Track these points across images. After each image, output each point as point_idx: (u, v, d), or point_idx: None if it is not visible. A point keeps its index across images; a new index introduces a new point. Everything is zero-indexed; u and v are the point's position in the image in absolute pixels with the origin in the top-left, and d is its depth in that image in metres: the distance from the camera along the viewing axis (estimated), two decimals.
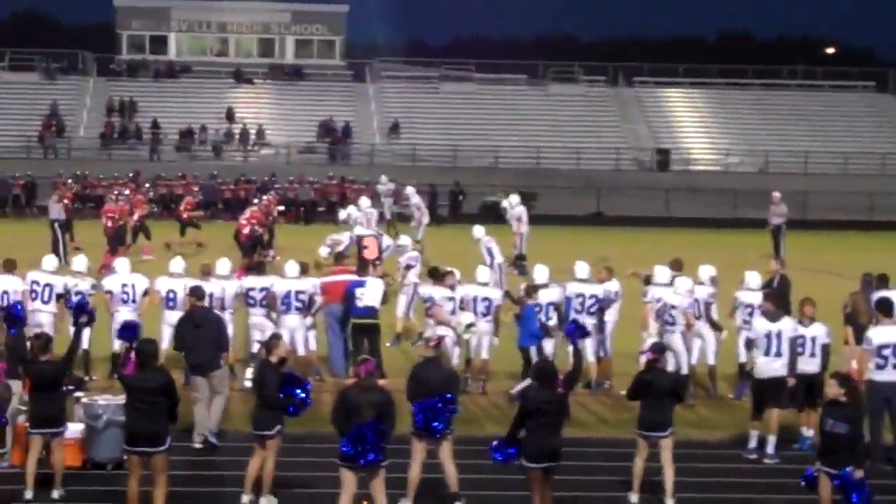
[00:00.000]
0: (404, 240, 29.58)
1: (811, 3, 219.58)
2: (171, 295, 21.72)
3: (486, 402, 21.36)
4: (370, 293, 21.93)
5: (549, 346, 20.99)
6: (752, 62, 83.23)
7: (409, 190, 46.12)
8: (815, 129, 74.38)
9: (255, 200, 42.32)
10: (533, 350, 20.83)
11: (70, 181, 51.15)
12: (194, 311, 18.95)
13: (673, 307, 21.00)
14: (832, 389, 14.30)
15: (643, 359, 16.38)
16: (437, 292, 21.65)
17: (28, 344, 16.32)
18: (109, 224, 36.92)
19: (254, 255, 33.29)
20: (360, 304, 21.80)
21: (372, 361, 14.93)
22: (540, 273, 22.21)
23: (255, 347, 20.61)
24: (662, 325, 21.12)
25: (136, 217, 39.34)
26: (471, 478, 15.97)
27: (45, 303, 21.53)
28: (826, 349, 18.58)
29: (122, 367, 15.33)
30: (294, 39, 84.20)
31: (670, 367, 20.60)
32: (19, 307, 18.03)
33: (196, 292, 19.29)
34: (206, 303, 19.43)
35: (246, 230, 35.14)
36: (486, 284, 22.29)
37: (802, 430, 18.62)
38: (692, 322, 21.01)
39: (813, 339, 18.33)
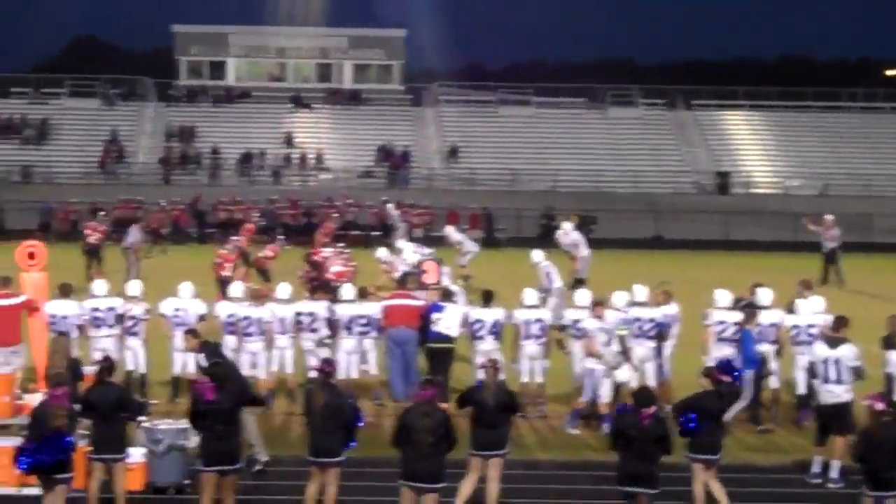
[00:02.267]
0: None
1: (872, 26, 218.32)
2: (231, 319, 21.82)
3: (542, 426, 21.33)
4: (448, 319, 21.89)
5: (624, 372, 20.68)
6: (812, 84, 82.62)
7: (448, 229, 43.97)
8: (876, 151, 73.80)
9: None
10: (750, 374, 20.57)
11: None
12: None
13: (811, 327, 20.91)
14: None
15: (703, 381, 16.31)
16: (589, 323, 21.09)
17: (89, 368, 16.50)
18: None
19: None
20: (435, 328, 21.79)
21: (433, 389, 14.88)
22: (582, 297, 22.16)
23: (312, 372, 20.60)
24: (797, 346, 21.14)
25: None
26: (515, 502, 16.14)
27: (110, 327, 21.68)
28: None
29: (202, 395, 15.08)
30: (352, 64, 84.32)
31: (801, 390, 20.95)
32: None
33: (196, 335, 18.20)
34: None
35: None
36: (535, 306, 22.24)
37: None
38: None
39: None
